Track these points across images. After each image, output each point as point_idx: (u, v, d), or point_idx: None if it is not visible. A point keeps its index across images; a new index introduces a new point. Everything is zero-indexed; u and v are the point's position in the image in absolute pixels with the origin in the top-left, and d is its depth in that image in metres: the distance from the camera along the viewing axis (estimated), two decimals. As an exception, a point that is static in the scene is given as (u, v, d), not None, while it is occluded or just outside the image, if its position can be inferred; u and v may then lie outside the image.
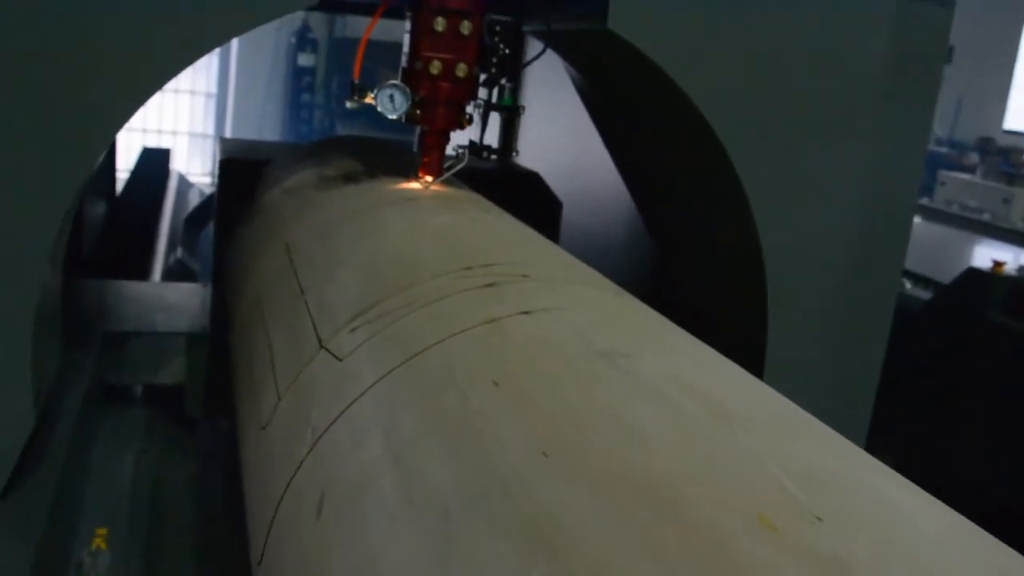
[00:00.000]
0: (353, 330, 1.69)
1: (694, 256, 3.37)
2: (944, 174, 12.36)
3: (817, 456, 1.14)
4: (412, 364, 1.46)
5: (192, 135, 15.57)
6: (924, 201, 10.75)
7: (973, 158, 16.05)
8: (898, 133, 2.89)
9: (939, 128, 15.96)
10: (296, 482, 1.49)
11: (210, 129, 15.75)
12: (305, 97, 14.82)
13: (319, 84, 14.83)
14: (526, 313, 1.49)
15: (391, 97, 2.43)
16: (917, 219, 10.63)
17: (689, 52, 2.57)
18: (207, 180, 14.13)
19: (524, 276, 1.68)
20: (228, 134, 15.34)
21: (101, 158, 2.42)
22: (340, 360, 1.65)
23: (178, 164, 10.06)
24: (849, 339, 3.05)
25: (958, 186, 11.78)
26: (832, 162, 2.83)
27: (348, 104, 2.54)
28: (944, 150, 15.99)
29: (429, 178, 2.55)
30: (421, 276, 1.75)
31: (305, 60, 14.61)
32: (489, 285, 1.64)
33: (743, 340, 2.97)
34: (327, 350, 1.71)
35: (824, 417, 2.96)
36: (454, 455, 1.22)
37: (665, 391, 1.23)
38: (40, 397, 2.40)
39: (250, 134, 14.79)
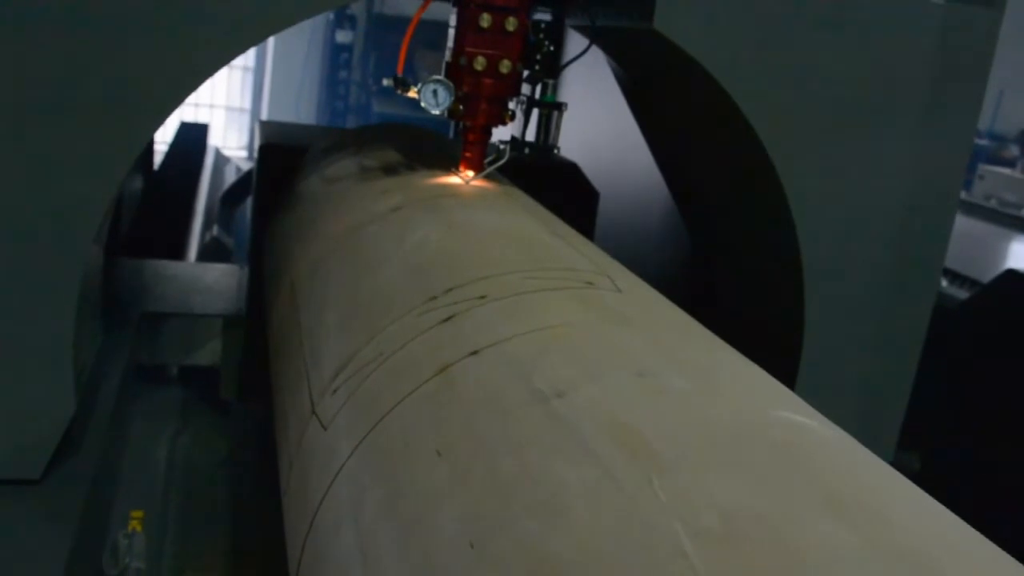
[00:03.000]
0: (335, 391, 1.76)
1: (731, 254, 3.36)
2: (983, 168, 12.20)
3: (741, 497, 1.10)
4: (375, 435, 1.54)
5: (229, 109, 15.66)
6: (963, 195, 10.61)
7: (1013, 151, 15.86)
8: (942, 136, 2.86)
9: (980, 119, 15.76)
10: (304, 560, 1.60)
11: (247, 103, 15.83)
12: (342, 74, 14.84)
13: (356, 61, 14.85)
14: (474, 354, 1.53)
15: (435, 92, 2.43)
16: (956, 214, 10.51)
17: (733, 53, 2.56)
18: (243, 155, 14.22)
19: (482, 298, 1.71)
20: (264, 108, 15.42)
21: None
22: (325, 429, 1.72)
23: (214, 138, 10.10)
24: (886, 339, 3.04)
25: (997, 180, 11.61)
26: (874, 164, 2.82)
27: (384, 81, 2.54)
28: (984, 142, 15.81)
29: (470, 173, 2.55)
30: (390, 315, 1.81)
31: (343, 37, 14.62)
32: (447, 320, 1.68)
33: (779, 338, 2.97)
34: (317, 416, 1.77)
35: (857, 418, 2.97)
36: (402, 548, 1.30)
37: (592, 442, 1.23)
38: (81, 381, 2.43)
39: (287, 109, 14.85)
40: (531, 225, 2.19)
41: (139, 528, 2.50)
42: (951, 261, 6.10)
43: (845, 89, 2.70)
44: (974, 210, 9.88)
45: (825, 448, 1.26)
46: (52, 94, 2.16)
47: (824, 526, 1.05)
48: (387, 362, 1.67)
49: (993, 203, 10.44)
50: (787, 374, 2.86)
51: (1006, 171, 12.22)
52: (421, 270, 1.95)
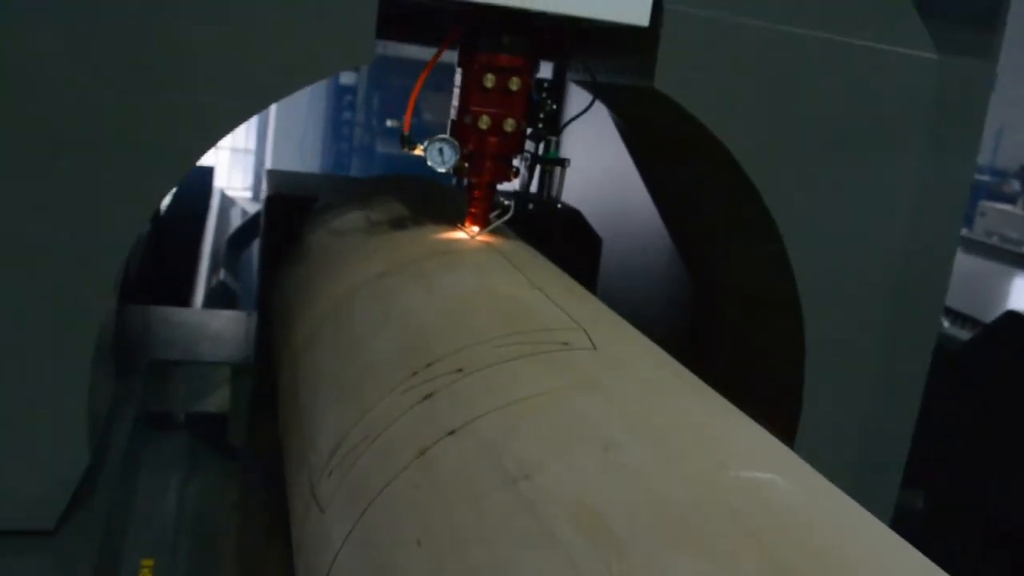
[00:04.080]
0: (331, 473, 1.83)
1: (733, 300, 3.41)
2: (984, 204, 12.28)
3: (703, 574, 1.15)
4: (363, 522, 1.61)
5: (234, 150, 15.75)
6: (964, 232, 10.68)
7: (1015, 186, 15.93)
8: (940, 183, 2.92)
9: (980, 155, 15.82)
10: None
11: (251, 144, 15.93)
12: (346, 115, 14.95)
13: (360, 102, 14.95)
14: (451, 434, 1.61)
15: (440, 151, 2.49)
16: (958, 251, 10.54)
17: (734, 111, 2.62)
18: (248, 195, 14.30)
19: (459, 371, 1.77)
20: (269, 149, 15.50)
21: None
22: (323, 512, 1.79)
23: (219, 179, 10.17)
24: (888, 380, 3.07)
25: (998, 217, 11.69)
26: (873, 213, 2.87)
27: (389, 123, 2.60)
28: (986, 178, 15.88)
29: (475, 228, 2.61)
30: (376, 393, 1.88)
31: (347, 78, 14.75)
32: (426, 398, 1.75)
33: (781, 381, 3.01)
34: (316, 500, 1.84)
35: (861, 458, 2.99)
36: None
37: (556, 527, 1.29)
38: (95, 432, 2.47)
39: (291, 150, 14.93)
40: (511, 282, 2.24)
41: (150, 576, 2.53)
42: (952, 299, 6.14)
43: (844, 141, 2.76)
44: (975, 247, 9.92)
45: (781, 511, 1.31)
46: (75, 147, 2.21)
47: None
48: (374, 444, 1.75)
49: (995, 240, 10.48)
50: (789, 417, 2.90)
51: (1007, 207, 12.29)
52: (403, 344, 2.02)
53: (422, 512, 1.50)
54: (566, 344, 1.82)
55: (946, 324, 5.82)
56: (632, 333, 2.11)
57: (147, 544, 2.82)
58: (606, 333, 1.94)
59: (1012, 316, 4.93)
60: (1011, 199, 13.72)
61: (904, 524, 1.29)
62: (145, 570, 2.55)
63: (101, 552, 2.41)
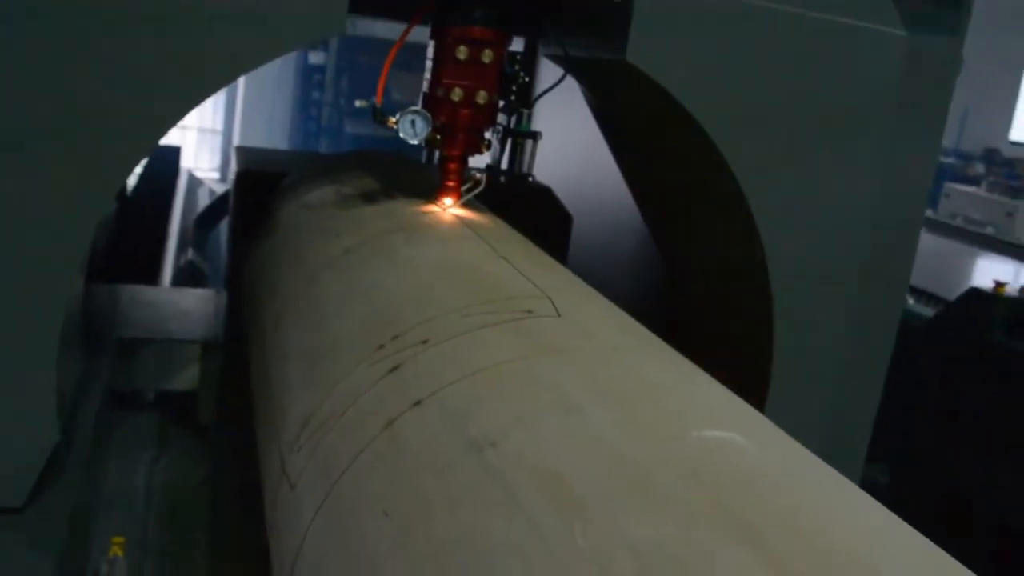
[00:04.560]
0: (300, 449, 1.83)
1: (702, 275, 3.43)
2: (949, 186, 12.41)
3: (655, 535, 1.17)
4: (332, 496, 1.63)
5: (201, 130, 15.62)
6: (929, 213, 10.78)
7: (979, 169, 16.11)
8: (906, 159, 2.96)
9: (945, 138, 16.00)
10: None
11: (219, 124, 15.81)
12: (314, 94, 14.86)
13: (328, 82, 14.87)
14: (417, 404, 1.62)
15: (412, 123, 2.48)
16: (923, 232, 10.68)
17: (704, 84, 2.63)
18: (215, 176, 14.20)
19: (425, 342, 1.79)
20: (237, 130, 15.39)
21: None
22: (293, 489, 1.79)
23: (186, 159, 10.09)
24: (854, 356, 3.12)
25: (963, 198, 11.82)
26: (841, 187, 2.90)
27: (357, 103, 2.59)
28: (950, 160, 16.04)
29: (449, 201, 2.61)
30: (343, 369, 1.89)
31: (315, 58, 14.65)
32: (393, 370, 1.76)
33: (750, 357, 3.03)
34: (286, 476, 1.84)
35: (826, 432, 3.03)
36: None
37: (521, 493, 1.32)
38: (63, 409, 2.45)
39: (259, 130, 14.84)
40: (477, 253, 2.25)
41: (120, 553, 2.52)
42: (917, 279, 6.21)
43: (813, 116, 2.78)
44: (940, 228, 10.04)
45: (742, 468, 1.33)
46: (39, 127, 2.19)
47: (734, 558, 1.11)
48: (342, 418, 1.76)
49: (959, 221, 10.60)
50: (758, 391, 2.93)
51: (971, 189, 12.42)
52: (369, 318, 2.03)
53: (389, 483, 1.51)
54: (530, 312, 1.84)
55: (911, 302, 5.88)
56: (598, 300, 2.12)
57: (117, 521, 2.82)
58: (571, 301, 1.95)
59: (974, 293, 5.00)
60: (976, 182, 13.87)
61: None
62: (115, 547, 2.54)
63: (70, 529, 2.40)
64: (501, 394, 1.57)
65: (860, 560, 1.14)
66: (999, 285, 5.01)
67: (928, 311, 5.89)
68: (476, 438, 1.46)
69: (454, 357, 1.72)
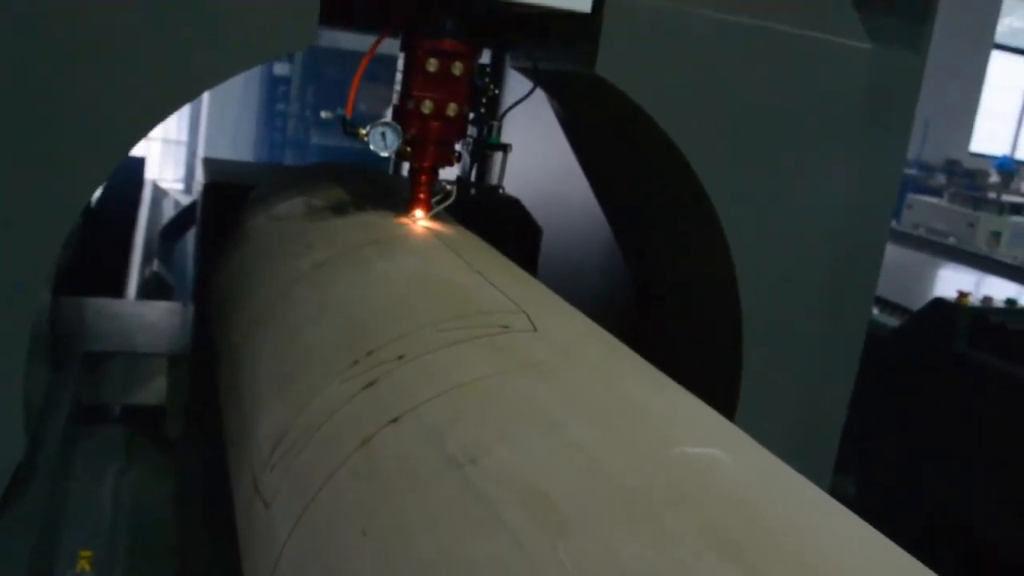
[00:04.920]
0: (273, 468, 1.81)
1: (671, 285, 3.45)
2: (912, 197, 12.56)
3: (640, 554, 1.17)
4: (307, 515, 1.61)
5: (165, 141, 15.51)
6: (892, 224, 10.91)
7: (941, 180, 16.30)
8: (871, 171, 2.99)
9: (908, 150, 16.19)
10: None
11: (183, 135, 15.69)
12: (280, 106, 14.79)
13: (294, 93, 14.81)
14: (394, 421, 1.61)
15: (383, 135, 2.48)
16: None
17: (673, 97, 2.65)
18: (180, 187, 14.10)
19: (400, 358, 1.78)
20: (201, 141, 15.29)
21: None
22: (267, 508, 1.77)
23: (151, 170, 10.01)
24: (821, 367, 3.14)
25: (925, 209, 11.97)
26: (807, 200, 2.93)
27: (323, 114, 2.59)
28: (912, 171, 16.22)
29: (419, 213, 2.61)
30: (317, 385, 1.87)
31: (280, 69, 14.58)
32: (368, 386, 1.75)
33: (717, 368, 3.06)
34: (260, 494, 1.82)
35: (795, 443, 3.05)
36: None
37: (502, 510, 1.30)
38: (30, 423, 2.43)
39: (224, 142, 14.74)
40: (451, 266, 2.25)
41: (88, 568, 2.50)
42: (883, 289, 6.27)
43: (781, 128, 2.81)
44: (903, 239, 10.14)
45: (726, 485, 1.33)
46: (3, 141, 2.16)
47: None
48: (316, 435, 1.74)
49: (921, 231, 10.71)
50: (726, 402, 2.95)
51: (934, 200, 12.57)
52: (343, 333, 2.02)
53: (366, 502, 1.50)
54: (506, 327, 1.83)
55: (876, 312, 5.93)
56: (573, 314, 2.12)
57: (84, 536, 2.79)
58: (547, 315, 1.95)
59: (938, 303, 5.06)
60: (938, 193, 14.04)
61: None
62: (83, 561, 2.51)
63: (37, 544, 2.38)
64: (480, 410, 1.56)
65: (839, 573, 1.15)
66: (962, 295, 5.07)
67: (893, 321, 5.95)
68: (455, 455, 1.44)
69: (430, 373, 1.71)
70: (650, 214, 3.40)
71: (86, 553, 2.58)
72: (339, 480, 1.59)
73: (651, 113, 2.60)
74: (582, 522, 1.23)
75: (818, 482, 1.44)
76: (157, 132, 15.22)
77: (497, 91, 2.64)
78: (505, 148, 2.72)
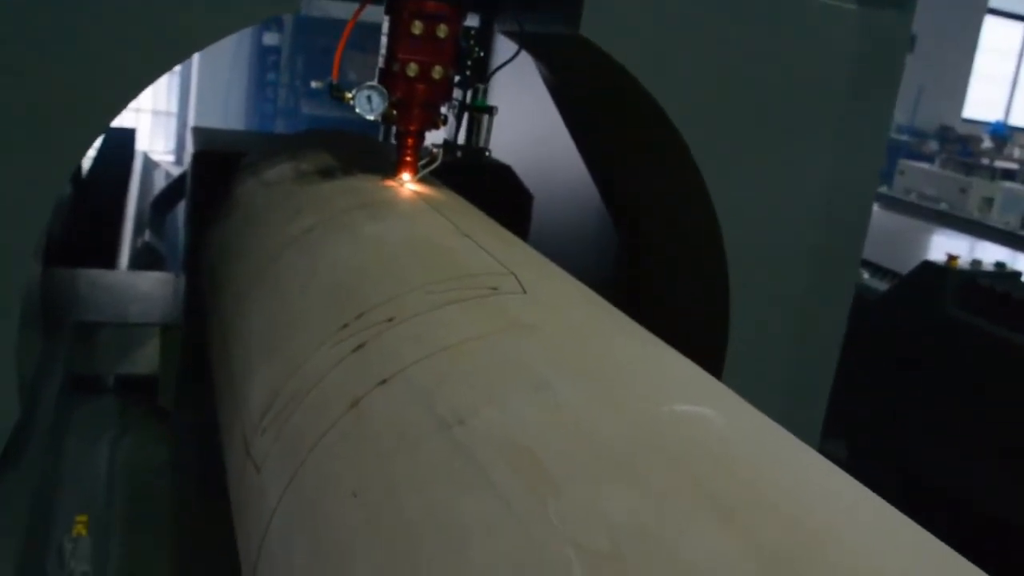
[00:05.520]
0: (264, 431, 1.83)
1: (657, 251, 3.47)
2: (903, 163, 12.57)
3: (630, 512, 1.17)
4: (298, 478, 1.62)
5: (155, 113, 15.47)
6: (883, 189, 10.92)
7: (933, 146, 16.33)
8: (858, 134, 3.00)
9: (900, 115, 16.21)
10: None
11: (173, 107, 15.65)
12: (270, 76, 14.75)
13: (284, 63, 14.76)
14: (383, 383, 1.61)
15: (368, 98, 2.49)
16: (876, 207, 10.84)
17: (658, 58, 2.65)
18: (171, 159, 14.08)
19: (390, 320, 1.78)
20: (192, 112, 15.25)
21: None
22: (259, 472, 1.78)
23: (142, 142, 9.99)
24: (808, 330, 3.16)
25: (916, 175, 11.98)
26: (793, 162, 2.94)
27: (313, 84, 2.60)
28: (905, 138, 16.24)
29: (406, 176, 2.62)
30: (307, 349, 1.88)
31: (270, 39, 14.53)
32: (357, 349, 1.76)
33: (705, 331, 3.08)
34: (251, 458, 1.84)
35: (781, 407, 3.08)
36: None
37: (491, 470, 1.31)
38: (23, 388, 2.45)
39: (214, 112, 14.70)
40: (440, 230, 2.26)
41: (84, 532, 2.53)
42: (873, 254, 6.30)
43: (764, 89, 2.82)
44: (895, 204, 10.17)
45: (715, 443, 1.34)
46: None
47: (708, 534, 1.12)
48: (307, 398, 1.75)
49: (912, 197, 10.74)
50: (713, 366, 2.97)
51: (925, 165, 12.59)
52: (332, 296, 2.03)
53: (356, 464, 1.51)
54: (495, 289, 1.84)
55: (866, 276, 5.96)
56: (562, 276, 2.13)
57: (80, 501, 2.82)
58: (536, 277, 1.96)
59: (927, 266, 5.08)
60: (930, 159, 14.06)
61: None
62: (79, 525, 2.54)
63: (34, 507, 2.40)
64: (468, 371, 1.56)
65: (831, 531, 1.15)
66: (952, 258, 5.09)
67: (884, 286, 5.98)
68: (444, 416, 1.45)
69: (419, 335, 1.71)
70: (635, 176, 3.41)
71: (83, 517, 2.61)
72: (329, 442, 1.60)
73: (635, 74, 2.60)
74: (570, 481, 1.23)
75: (807, 441, 1.45)
76: (147, 104, 15.20)
77: (483, 54, 2.65)
78: (490, 111, 2.73)
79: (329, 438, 1.60)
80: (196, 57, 14.98)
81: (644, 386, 1.52)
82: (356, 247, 2.22)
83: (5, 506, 2.33)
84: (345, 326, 1.85)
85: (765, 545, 1.10)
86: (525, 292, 1.85)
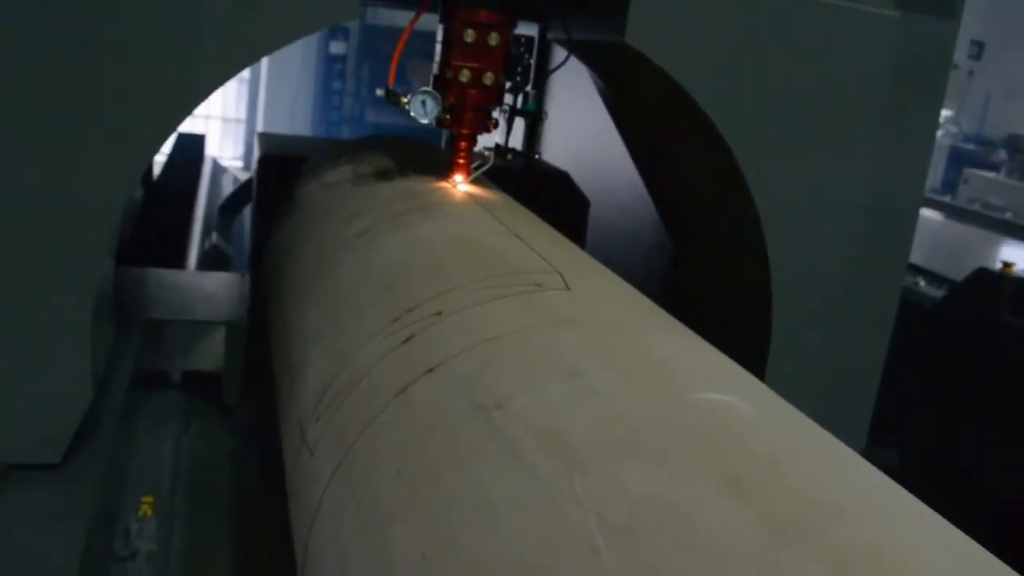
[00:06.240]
0: (318, 419, 1.93)
1: (706, 257, 3.52)
2: (968, 172, 12.38)
3: (650, 487, 1.24)
4: (347, 460, 1.72)
5: (225, 120, 15.79)
6: (947, 199, 10.81)
7: (1002, 155, 16.03)
8: (902, 140, 3.04)
9: (968, 124, 15.96)
10: None
11: (242, 114, 15.96)
12: (336, 84, 14.99)
13: (350, 72, 14.99)
14: (429, 371, 1.71)
15: (423, 103, 2.60)
16: (939, 217, 10.71)
17: (702, 66, 2.73)
18: (239, 164, 14.36)
19: (438, 314, 1.88)
20: (260, 119, 15.54)
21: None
22: (313, 456, 1.89)
23: (211, 149, 10.23)
24: (851, 338, 3.20)
25: (981, 184, 11.80)
26: (838, 170, 2.99)
27: (378, 92, 2.71)
28: (972, 147, 15.97)
29: (459, 177, 2.73)
30: (359, 341, 1.98)
31: (336, 48, 14.78)
32: (407, 341, 1.86)
33: (749, 336, 3.13)
34: (306, 444, 1.94)
35: (825, 411, 3.10)
36: (369, 564, 1.50)
37: (523, 449, 1.39)
38: (96, 374, 2.59)
39: (282, 120, 14.98)
40: (491, 230, 2.34)
41: (150, 512, 2.66)
42: (936, 263, 6.26)
43: (806, 96, 2.87)
44: (959, 214, 10.04)
45: (736, 427, 1.40)
46: (63, 117, 2.32)
47: (721, 507, 1.18)
48: (358, 387, 1.85)
49: (977, 206, 10.60)
50: (755, 369, 3.01)
51: (990, 175, 12.39)
52: (385, 293, 2.13)
53: (401, 445, 1.60)
54: (540, 285, 1.92)
55: (923, 284, 5.93)
56: (607, 275, 2.20)
57: (146, 485, 2.95)
58: (580, 275, 2.03)
59: (982, 273, 5.05)
60: (999, 168, 13.82)
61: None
62: (145, 506, 2.68)
63: (104, 485, 2.54)
64: (508, 361, 1.64)
65: (838, 506, 1.21)
66: (1006, 265, 5.06)
67: (940, 293, 5.94)
68: (483, 401, 1.53)
69: (465, 327, 1.80)
70: (684, 181, 3.47)
71: (148, 498, 2.74)
72: (377, 426, 1.70)
73: (680, 81, 2.68)
74: (595, 459, 1.31)
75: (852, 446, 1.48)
76: (217, 111, 15.50)
77: (531, 60, 2.74)
78: (539, 115, 2.82)
79: (377, 423, 1.70)
80: (264, 66, 15.28)
81: (674, 375, 1.58)
82: (408, 246, 2.32)
83: (77, 482, 2.47)
84: (396, 320, 1.95)
85: (773, 517, 1.16)
86: (568, 289, 1.92)
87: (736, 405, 1.48)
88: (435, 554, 1.34)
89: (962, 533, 1.24)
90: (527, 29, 3.25)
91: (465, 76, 2.63)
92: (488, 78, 2.65)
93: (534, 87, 2.80)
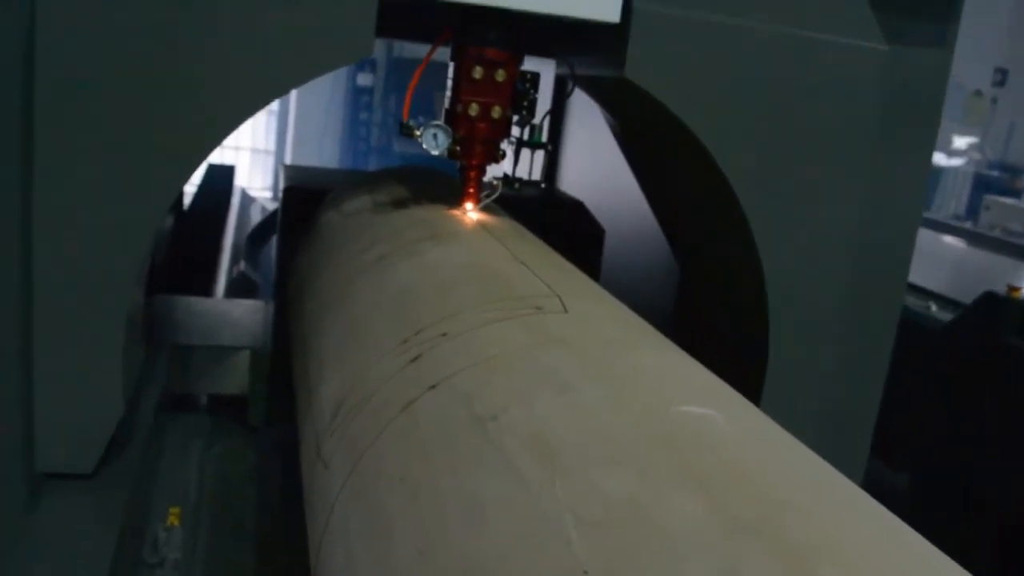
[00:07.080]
0: (333, 434, 2.06)
1: (707, 278, 3.63)
2: (989, 198, 12.36)
3: (623, 487, 1.34)
4: (356, 471, 1.84)
5: (254, 151, 16.05)
6: (967, 225, 10.83)
7: (1025, 182, 15.98)
8: (899, 171, 3.12)
9: (992, 151, 15.94)
10: None
11: (271, 145, 16.22)
12: (363, 115, 15.22)
13: (377, 103, 15.22)
14: (432, 388, 1.83)
15: (435, 136, 2.75)
16: (960, 244, 10.71)
17: (700, 99, 2.83)
18: (268, 195, 14.59)
19: (444, 335, 2.00)
20: (288, 150, 15.79)
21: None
22: (327, 469, 2.01)
23: (240, 179, 10.45)
24: (849, 359, 3.27)
25: (1002, 210, 11.79)
26: (834, 200, 3.08)
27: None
28: (995, 173, 15.94)
29: (469, 206, 2.87)
30: (371, 362, 2.11)
31: (364, 80, 15.02)
32: (414, 360, 1.98)
33: (750, 357, 3.23)
34: (321, 458, 2.07)
35: (825, 434, 3.16)
36: (372, 563, 1.62)
37: (513, 456, 1.51)
38: (127, 389, 2.74)
39: (310, 151, 15.21)
40: (497, 257, 2.46)
41: (177, 523, 2.80)
42: (952, 290, 6.27)
43: (802, 124, 2.97)
44: (980, 240, 10.03)
45: (712, 437, 1.51)
46: (98, 148, 2.45)
47: (686, 504, 1.28)
48: (368, 403, 1.97)
49: (997, 232, 10.60)
50: (752, 394, 3.08)
51: (1010, 201, 12.37)
52: (397, 315, 2.26)
53: (405, 455, 1.73)
54: (539, 308, 2.04)
55: (933, 308, 5.96)
56: (606, 299, 2.32)
57: (173, 498, 3.09)
58: (579, 299, 2.15)
59: (989, 296, 5.07)
60: (1020, 194, 13.78)
61: (888, 506, 1.45)
62: (172, 516, 2.81)
63: (133, 496, 2.68)
64: (505, 377, 1.76)
65: (794, 504, 1.31)
66: (1013, 289, 5.10)
67: (949, 317, 5.96)
68: (480, 414, 1.66)
69: (467, 347, 1.92)
70: (687, 209, 3.57)
71: (175, 509, 2.88)
72: (384, 440, 1.83)
73: (677, 113, 2.80)
74: (577, 464, 1.43)
75: (854, 475, 1.56)
76: (247, 142, 15.77)
77: (536, 95, 2.88)
78: (545, 147, 2.96)
79: (384, 436, 1.83)
80: (293, 98, 15.51)
81: (658, 390, 1.69)
82: (420, 272, 2.45)
83: (108, 492, 2.61)
84: (405, 341, 2.08)
85: (731, 514, 1.27)
86: (566, 311, 2.04)
87: (715, 417, 1.58)
88: (431, 551, 1.47)
89: (914, 531, 1.34)
90: (544, 66, 3.39)
91: (474, 110, 2.78)
92: (496, 112, 2.79)
93: (551, 119, 2.92)
